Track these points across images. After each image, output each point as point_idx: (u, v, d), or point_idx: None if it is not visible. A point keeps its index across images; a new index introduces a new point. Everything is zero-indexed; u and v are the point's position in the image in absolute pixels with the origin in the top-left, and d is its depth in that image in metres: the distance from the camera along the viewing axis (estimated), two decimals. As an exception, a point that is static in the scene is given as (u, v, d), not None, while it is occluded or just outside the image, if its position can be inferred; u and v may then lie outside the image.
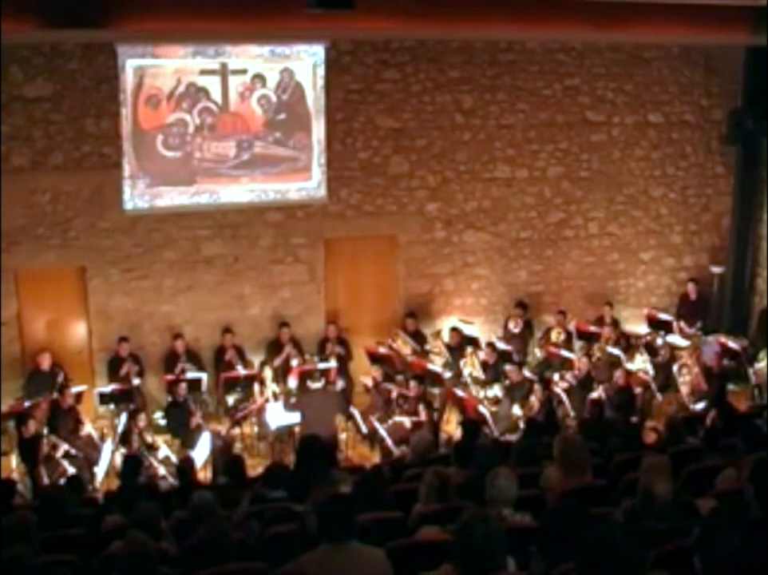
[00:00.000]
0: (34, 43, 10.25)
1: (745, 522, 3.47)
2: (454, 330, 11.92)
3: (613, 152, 13.04)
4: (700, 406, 10.28)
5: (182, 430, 10.05)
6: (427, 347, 11.83)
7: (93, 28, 8.77)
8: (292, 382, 10.67)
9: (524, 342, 12.22)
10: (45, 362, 10.63)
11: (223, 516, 5.72)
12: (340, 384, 11.13)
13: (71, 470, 8.99)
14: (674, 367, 11.31)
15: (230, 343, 11.37)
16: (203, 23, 9.00)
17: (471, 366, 11.33)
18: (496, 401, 10.75)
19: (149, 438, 9.66)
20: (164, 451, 9.64)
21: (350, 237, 12.16)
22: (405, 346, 11.66)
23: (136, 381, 10.82)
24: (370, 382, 11.03)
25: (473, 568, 3.61)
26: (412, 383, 10.36)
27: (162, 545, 5.25)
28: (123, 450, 9.33)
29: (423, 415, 9.75)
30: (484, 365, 11.29)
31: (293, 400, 10.40)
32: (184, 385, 10.29)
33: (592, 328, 12.04)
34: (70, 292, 11.17)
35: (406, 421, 9.95)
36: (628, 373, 10.57)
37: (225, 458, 8.95)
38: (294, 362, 11.18)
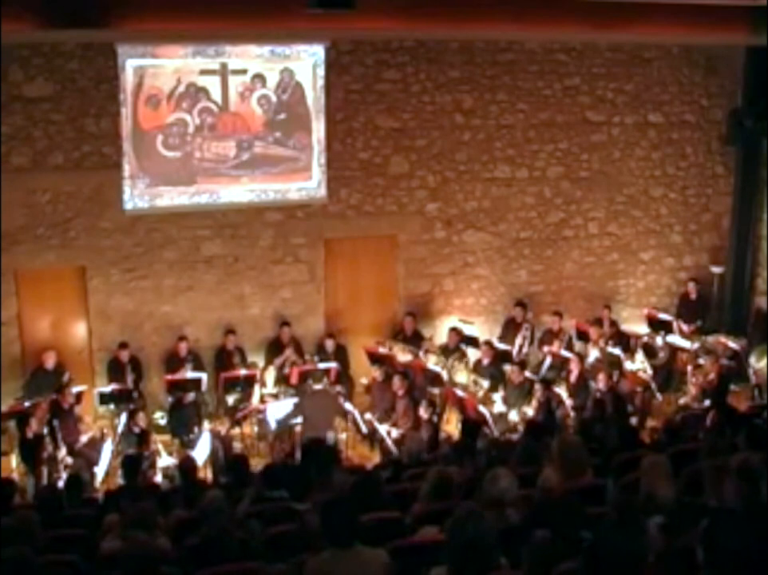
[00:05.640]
0: (34, 43, 10.24)
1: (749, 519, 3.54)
2: (453, 330, 11.91)
3: (613, 152, 13.04)
4: (707, 403, 10.12)
5: (183, 431, 10.05)
6: (424, 349, 11.76)
7: (93, 28, 8.78)
8: (288, 397, 10.62)
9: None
10: (50, 361, 10.59)
11: (228, 515, 5.71)
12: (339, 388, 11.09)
13: (71, 470, 8.98)
14: (689, 368, 11.21)
15: (233, 344, 11.33)
16: (203, 23, 9.01)
17: (464, 371, 11.27)
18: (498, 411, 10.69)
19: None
20: (163, 451, 9.66)
21: (350, 237, 12.15)
22: (403, 354, 11.53)
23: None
24: (370, 380, 11.02)
25: (464, 565, 3.61)
26: (396, 380, 10.23)
27: (160, 544, 5.25)
28: (131, 451, 9.28)
29: (422, 412, 9.72)
30: (477, 364, 11.29)
31: (295, 400, 10.37)
32: (192, 393, 10.28)
33: (592, 329, 12.02)
34: (70, 292, 11.17)
35: (403, 426, 9.95)
36: (610, 376, 10.44)
37: (229, 457, 8.98)
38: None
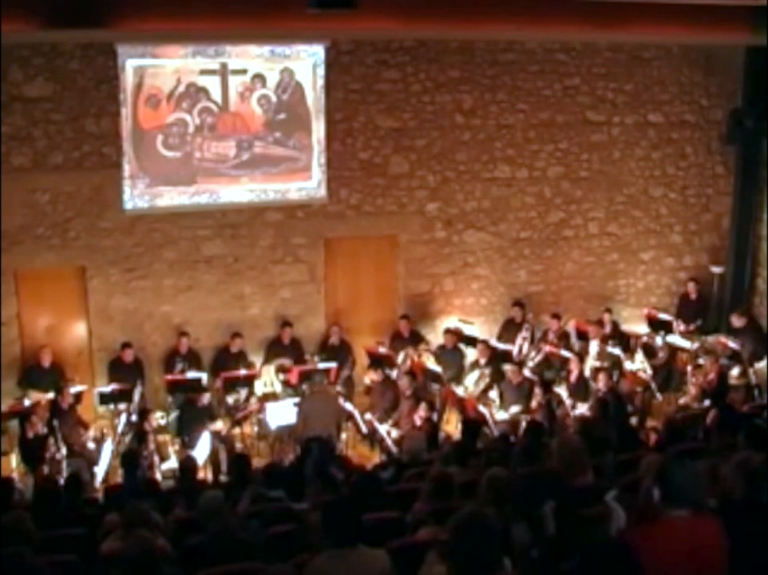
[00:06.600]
0: (34, 43, 10.25)
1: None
2: (449, 331, 11.86)
3: (613, 152, 13.04)
4: (706, 403, 10.12)
5: (189, 432, 10.04)
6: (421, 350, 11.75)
7: (93, 28, 8.78)
8: (288, 397, 10.60)
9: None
10: (47, 359, 10.60)
11: (227, 515, 5.71)
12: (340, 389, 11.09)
13: (71, 470, 8.98)
14: (689, 368, 11.19)
15: (238, 347, 11.25)
16: (203, 23, 9.01)
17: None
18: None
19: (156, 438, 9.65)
20: (172, 453, 9.68)
21: (350, 237, 12.15)
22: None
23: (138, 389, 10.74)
24: (369, 382, 11.01)
25: (467, 566, 3.61)
26: (404, 380, 10.29)
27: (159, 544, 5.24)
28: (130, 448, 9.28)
29: (422, 412, 9.72)
30: (474, 364, 11.28)
31: (296, 400, 10.36)
32: (208, 395, 10.25)
33: (591, 327, 12.00)
34: (70, 292, 11.17)
35: (405, 427, 9.94)
36: (610, 376, 10.46)
37: (230, 456, 8.97)
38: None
